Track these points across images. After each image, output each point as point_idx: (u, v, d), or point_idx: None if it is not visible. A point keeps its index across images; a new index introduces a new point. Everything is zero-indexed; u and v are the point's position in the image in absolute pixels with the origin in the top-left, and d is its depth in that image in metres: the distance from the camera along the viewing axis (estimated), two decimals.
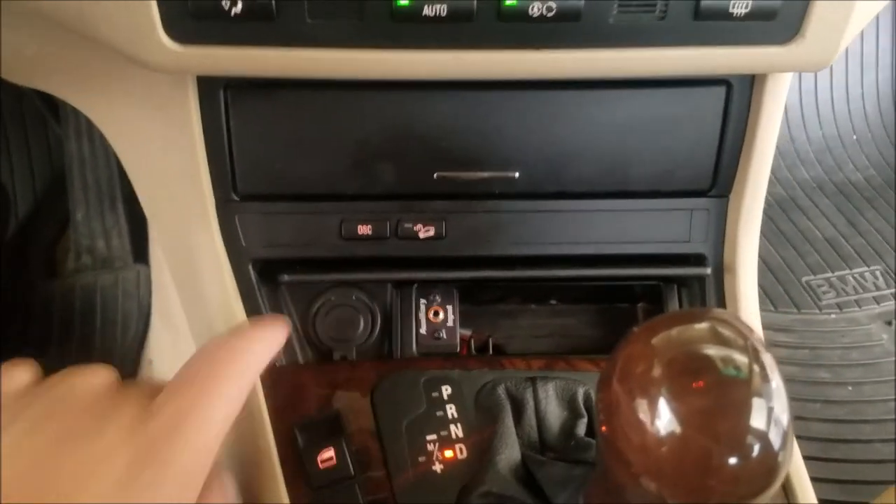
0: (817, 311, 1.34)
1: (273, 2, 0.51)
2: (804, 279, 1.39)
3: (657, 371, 0.37)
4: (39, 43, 0.63)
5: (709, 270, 0.67)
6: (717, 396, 0.36)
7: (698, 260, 0.68)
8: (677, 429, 0.36)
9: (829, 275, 1.40)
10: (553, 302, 0.75)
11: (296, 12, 0.52)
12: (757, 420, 0.36)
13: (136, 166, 0.73)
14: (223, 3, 0.51)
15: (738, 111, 0.64)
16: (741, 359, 0.37)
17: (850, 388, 1.23)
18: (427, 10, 0.52)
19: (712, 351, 0.37)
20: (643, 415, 0.36)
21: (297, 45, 0.53)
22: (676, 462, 0.36)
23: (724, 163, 0.66)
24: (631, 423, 0.37)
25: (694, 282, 0.69)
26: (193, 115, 0.61)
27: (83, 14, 0.52)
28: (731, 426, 0.36)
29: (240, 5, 0.51)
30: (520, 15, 0.52)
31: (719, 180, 0.67)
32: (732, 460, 0.36)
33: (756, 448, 0.36)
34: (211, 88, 0.61)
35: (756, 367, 0.37)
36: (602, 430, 0.40)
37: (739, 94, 0.63)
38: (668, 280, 0.70)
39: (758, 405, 0.36)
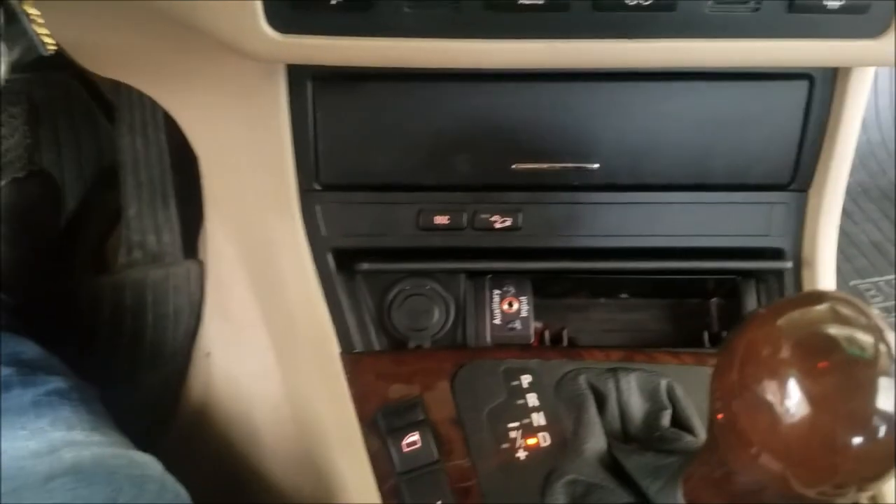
0: None
1: None
2: (851, 283, 1.38)
3: (785, 353, 0.37)
4: (124, 34, 0.64)
5: (790, 264, 0.67)
6: (844, 377, 0.36)
7: (777, 254, 0.68)
8: (806, 408, 0.36)
9: (877, 279, 1.39)
10: (624, 296, 0.76)
11: (393, 2, 0.52)
12: (883, 401, 0.36)
13: (212, 157, 0.74)
14: None
15: (819, 105, 0.64)
16: (867, 338, 0.37)
17: None
18: None
19: (838, 331, 0.37)
20: (771, 396, 0.37)
21: (392, 34, 0.54)
22: (803, 441, 0.36)
23: (804, 157, 0.66)
24: (757, 405, 0.37)
25: (771, 276, 0.69)
26: (283, 106, 0.62)
27: (187, 3, 0.53)
28: (857, 406, 0.36)
29: None
30: (616, 3, 0.52)
31: (800, 174, 0.67)
32: (858, 440, 0.36)
33: (882, 429, 0.36)
34: (299, 79, 0.62)
35: (882, 347, 0.37)
36: (718, 418, 0.41)
37: (822, 88, 0.64)
38: (746, 274, 0.70)
39: (884, 385, 0.36)
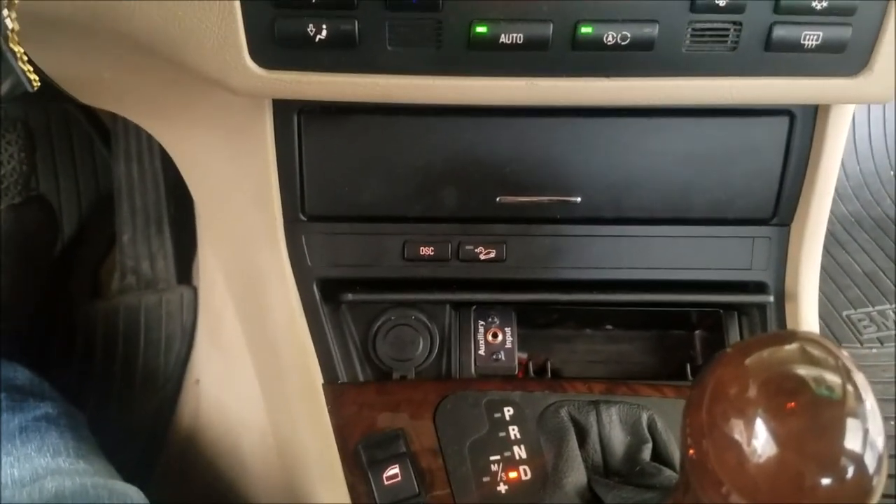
0: (858, 345, 1.32)
1: (356, 29, 0.53)
2: (844, 313, 1.38)
3: (752, 392, 0.37)
4: (118, 68, 0.65)
5: (772, 298, 0.68)
6: (811, 417, 0.36)
7: (759, 288, 0.69)
8: (773, 449, 0.36)
9: (870, 309, 1.39)
10: (608, 327, 0.76)
11: (377, 39, 0.53)
12: (851, 442, 0.36)
13: (203, 188, 0.75)
14: (308, 29, 0.52)
15: (800, 141, 0.65)
16: (834, 379, 0.37)
17: (892, 423, 1.21)
18: (504, 38, 0.53)
19: (805, 371, 0.37)
20: (738, 435, 0.37)
21: (376, 71, 0.55)
22: (771, 481, 0.36)
23: (786, 191, 0.66)
24: (725, 444, 0.37)
25: (754, 310, 0.70)
26: (268, 139, 0.63)
27: (173, 40, 0.54)
28: (826, 447, 0.36)
29: (324, 32, 0.53)
30: (595, 43, 0.53)
31: (781, 209, 0.67)
32: (826, 481, 0.36)
33: (850, 470, 0.36)
34: (286, 113, 0.63)
35: (849, 388, 0.37)
36: (689, 454, 0.41)
37: (802, 125, 0.64)
38: (729, 307, 0.70)
39: (852, 426, 0.36)
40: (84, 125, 1.36)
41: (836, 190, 1.64)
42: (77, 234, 1.37)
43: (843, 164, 1.67)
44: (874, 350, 1.31)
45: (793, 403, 0.37)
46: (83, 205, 1.40)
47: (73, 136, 1.39)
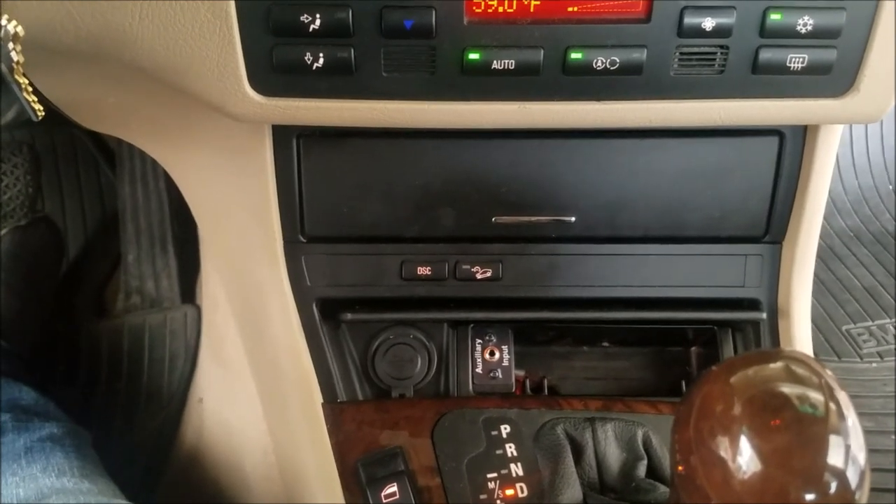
0: (858, 359, 1.33)
1: (352, 56, 0.54)
2: (844, 328, 1.39)
3: (737, 409, 0.38)
4: (121, 93, 0.67)
5: (764, 315, 0.69)
6: (795, 434, 0.37)
7: (752, 305, 0.70)
8: (757, 465, 0.37)
9: (870, 323, 1.40)
10: (605, 344, 0.77)
11: (372, 66, 0.55)
12: (834, 457, 0.37)
13: (204, 210, 0.76)
14: (306, 57, 0.54)
15: (790, 160, 0.66)
16: (817, 397, 0.38)
17: (893, 437, 1.21)
18: (496, 64, 0.54)
19: (789, 389, 0.38)
20: (724, 451, 0.38)
21: (372, 97, 0.56)
22: (757, 496, 0.37)
23: (777, 210, 0.67)
24: (712, 460, 0.38)
25: (748, 326, 0.71)
26: (268, 162, 0.65)
27: (174, 68, 0.56)
28: (809, 463, 0.37)
29: (321, 60, 0.54)
30: (584, 68, 0.54)
31: (773, 227, 0.68)
32: (810, 496, 0.37)
33: (833, 485, 0.37)
34: (285, 137, 0.64)
35: (832, 405, 0.38)
36: (678, 470, 0.41)
37: (792, 144, 0.65)
38: (723, 324, 0.71)
39: (835, 442, 0.37)
40: (89, 147, 1.38)
41: (835, 204, 1.65)
42: (82, 255, 1.39)
43: (841, 178, 1.68)
44: (874, 364, 1.32)
45: (777, 420, 0.38)
46: (88, 226, 1.41)
47: (78, 158, 1.40)
